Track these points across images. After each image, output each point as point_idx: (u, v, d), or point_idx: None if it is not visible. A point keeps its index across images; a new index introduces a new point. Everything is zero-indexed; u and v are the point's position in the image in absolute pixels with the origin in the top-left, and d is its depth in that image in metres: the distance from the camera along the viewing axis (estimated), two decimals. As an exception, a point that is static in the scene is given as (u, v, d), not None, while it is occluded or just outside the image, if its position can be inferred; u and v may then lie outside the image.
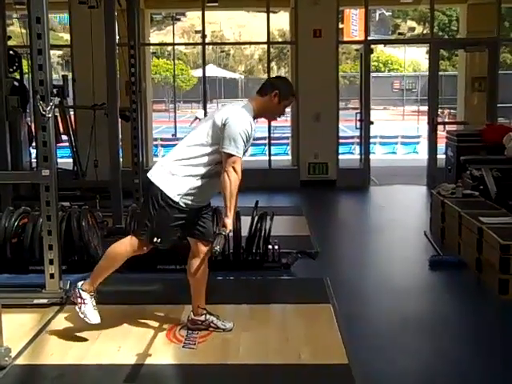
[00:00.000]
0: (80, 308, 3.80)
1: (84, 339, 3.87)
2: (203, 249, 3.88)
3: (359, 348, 3.77)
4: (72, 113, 9.87)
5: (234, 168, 3.55)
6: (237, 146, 3.55)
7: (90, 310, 3.80)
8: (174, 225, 3.72)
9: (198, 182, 3.65)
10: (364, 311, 4.55)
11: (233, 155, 3.54)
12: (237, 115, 3.62)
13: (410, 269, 5.71)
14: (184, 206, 3.67)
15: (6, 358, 3.48)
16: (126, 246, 3.82)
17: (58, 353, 3.71)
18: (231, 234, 3.82)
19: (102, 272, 3.90)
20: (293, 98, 3.90)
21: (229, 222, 3.57)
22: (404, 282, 5.30)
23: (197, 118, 25.04)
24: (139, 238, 3.77)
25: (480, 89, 11.04)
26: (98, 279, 3.89)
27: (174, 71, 27.39)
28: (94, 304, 3.83)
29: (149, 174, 3.77)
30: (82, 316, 3.79)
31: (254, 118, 3.75)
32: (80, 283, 3.88)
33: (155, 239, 3.72)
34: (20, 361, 3.59)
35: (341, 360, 3.59)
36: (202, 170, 3.64)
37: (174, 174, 3.65)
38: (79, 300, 3.81)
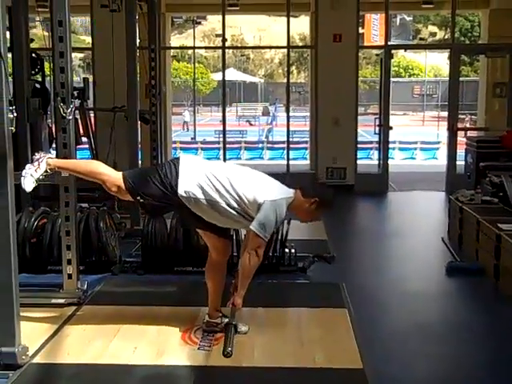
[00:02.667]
0: (29, 168, 3.73)
1: (100, 339, 3.90)
2: (218, 244, 3.92)
3: (374, 353, 3.76)
4: (92, 115, 9.95)
5: (256, 252, 3.64)
6: (266, 231, 3.62)
7: (32, 178, 3.72)
8: (161, 204, 3.73)
9: (203, 202, 3.67)
10: (380, 316, 4.54)
11: (260, 238, 3.62)
12: (276, 204, 3.66)
13: (426, 274, 5.68)
14: (180, 200, 3.67)
15: (24, 357, 3.53)
16: (108, 175, 3.77)
17: (74, 352, 3.74)
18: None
19: (71, 168, 3.94)
20: (328, 211, 3.99)
21: (239, 300, 3.69)
22: (420, 287, 5.27)
23: (185, 122, 25.14)
24: (126, 185, 3.71)
25: (501, 94, 10.96)
26: (65, 169, 3.95)
27: (194, 74, 27.59)
28: (40, 179, 3.77)
29: (183, 158, 3.79)
30: (23, 173, 3.72)
31: (287, 209, 3.78)
32: (50, 156, 3.87)
33: (139, 198, 3.72)
34: (37, 359, 3.63)
35: (355, 365, 3.59)
36: (217, 201, 3.66)
37: (198, 181, 3.67)
38: (36, 164, 3.76)
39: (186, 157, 3.83)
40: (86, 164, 3.93)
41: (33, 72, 7.31)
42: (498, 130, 9.81)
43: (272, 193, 3.71)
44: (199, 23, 28.60)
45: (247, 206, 3.67)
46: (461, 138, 10.41)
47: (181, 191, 3.65)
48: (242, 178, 3.78)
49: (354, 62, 10.27)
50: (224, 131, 11.43)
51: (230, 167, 3.93)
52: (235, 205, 3.68)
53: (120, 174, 3.78)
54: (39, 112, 6.92)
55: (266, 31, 37.05)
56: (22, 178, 3.71)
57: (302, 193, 3.84)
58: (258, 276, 5.04)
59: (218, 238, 3.93)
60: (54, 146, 7.22)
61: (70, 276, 4.51)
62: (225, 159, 11.11)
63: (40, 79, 7.65)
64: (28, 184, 3.73)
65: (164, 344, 3.85)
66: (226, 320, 3.99)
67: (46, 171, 3.79)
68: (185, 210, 3.74)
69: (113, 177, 3.76)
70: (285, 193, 3.79)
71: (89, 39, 12.34)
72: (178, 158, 3.80)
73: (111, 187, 3.76)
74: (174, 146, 15.05)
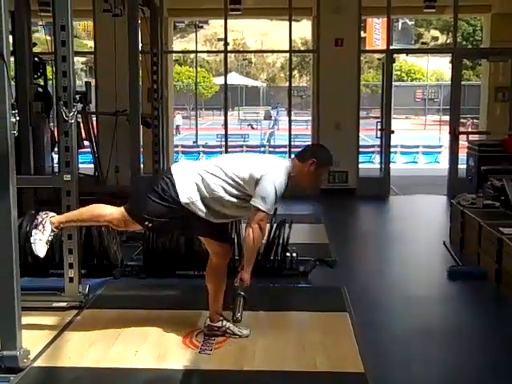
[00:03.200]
0: (36, 234, 3.75)
1: (101, 343, 3.91)
2: (219, 250, 3.91)
3: (375, 357, 3.76)
4: (94, 119, 9.97)
5: (259, 225, 3.61)
6: (268, 204, 3.60)
7: (41, 242, 3.74)
8: (169, 221, 3.73)
9: (206, 201, 3.68)
10: (381, 320, 4.53)
11: (262, 212, 3.60)
12: (274, 175, 3.65)
13: (428, 279, 5.67)
14: (186, 209, 3.68)
15: (25, 360, 3.53)
16: (111, 213, 3.79)
17: (75, 356, 3.74)
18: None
19: (75, 219, 3.93)
20: (330, 168, 3.94)
21: (246, 276, 3.65)
22: (422, 291, 5.27)
23: (177, 126, 25.01)
24: (130, 214, 3.73)
25: (503, 99, 10.97)
26: (68, 222, 3.92)
27: (196, 78, 27.58)
28: (49, 240, 3.78)
29: (173, 167, 3.80)
30: (31, 240, 3.74)
31: (288, 180, 3.75)
32: (52, 214, 3.84)
33: (146, 223, 3.72)
34: (38, 363, 3.63)
35: (357, 369, 3.59)
36: (220, 195, 3.67)
37: (194, 183, 3.69)
38: (40, 227, 3.76)
39: (175, 165, 3.83)
40: (87, 211, 3.90)
41: (35, 76, 7.34)
42: (499, 134, 9.81)
43: (267, 166, 3.70)
44: (201, 27, 28.73)
45: (246, 187, 3.67)
46: (463, 142, 10.42)
47: (183, 199, 3.65)
48: (232, 161, 3.79)
49: (356, 66, 10.27)
50: (226, 135, 11.44)
51: (219, 157, 3.92)
52: (235, 191, 3.68)
53: (121, 208, 3.79)
54: (41, 116, 6.95)
55: (268, 35, 37.17)
56: (33, 246, 3.73)
57: (299, 158, 3.84)
58: (260, 280, 5.07)
59: (219, 243, 3.93)
60: (56, 149, 7.24)
61: (71, 280, 4.52)
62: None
63: (42, 83, 7.69)
64: (40, 249, 3.75)
65: (165, 348, 3.85)
66: (228, 324, 3.99)
67: (52, 230, 3.80)
68: (192, 218, 3.72)
69: (116, 213, 3.77)
70: (281, 164, 3.78)
71: (91, 43, 12.37)
72: (168, 169, 3.81)
73: (119, 224, 3.79)
74: (175, 149, 15.06)
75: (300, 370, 3.60)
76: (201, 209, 3.69)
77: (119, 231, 5.84)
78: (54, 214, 3.86)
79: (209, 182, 3.67)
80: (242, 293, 3.64)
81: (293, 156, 3.97)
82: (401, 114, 28.81)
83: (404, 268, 6.10)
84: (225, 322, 4.00)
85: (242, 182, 3.67)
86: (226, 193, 3.67)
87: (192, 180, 3.69)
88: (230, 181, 3.68)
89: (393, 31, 16.84)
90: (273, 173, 3.65)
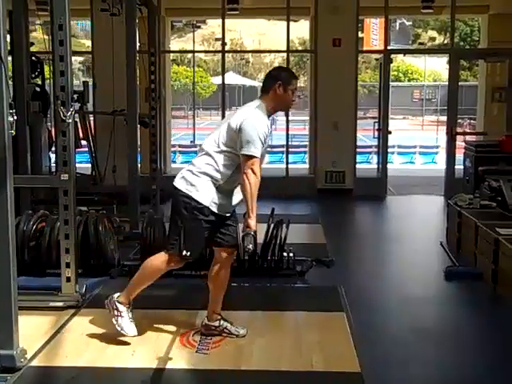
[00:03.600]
0: (117, 320, 3.84)
1: (98, 342, 3.91)
2: (226, 255, 3.92)
3: (372, 357, 3.76)
4: (92, 118, 9.96)
5: (252, 170, 3.62)
6: (255, 147, 3.62)
7: (126, 323, 3.84)
8: (203, 234, 3.76)
9: (223, 186, 3.72)
10: (378, 320, 4.54)
11: (251, 157, 3.61)
12: (252, 117, 3.69)
13: (425, 279, 5.68)
14: (216, 211, 3.72)
15: (22, 360, 3.53)
16: (160, 261, 3.87)
17: (72, 355, 3.74)
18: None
19: (137, 285, 3.94)
20: (296, 81, 3.92)
21: (252, 222, 3.63)
22: (419, 292, 5.28)
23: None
24: (168, 253, 3.81)
25: (500, 99, 10.98)
26: (133, 292, 3.93)
27: (194, 78, 27.59)
28: (131, 316, 3.86)
29: (177, 183, 3.78)
30: (118, 328, 3.82)
31: (269, 115, 3.83)
32: (116, 295, 3.90)
33: (184, 252, 3.75)
34: (35, 362, 3.63)
35: (353, 368, 3.59)
36: (227, 173, 3.71)
37: (206, 179, 3.71)
38: (115, 312, 3.85)
39: (177, 181, 3.79)
40: (142, 274, 3.93)
41: (33, 75, 7.34)
42: (496, 135, 9.81)
43: (242, 115, 3.73)
44: (199, 27, 28.69)
45: (236, 148, 3.67)
46: (460, 143, 10.42)
47: (206, 202, 3.69)
48: (216, 137, 3.77)
49: (354, 66, 10.29)
50: (223, 135, 11.37)
51: (204, 144, 3.88)
52: (234, 162, 3.70)
53: (163, 252, 3.86)
54: (39, 115, 6.94)
55: (266, 35, 37.12)
56: (120, 330, 3.81)
57: (264, 92, 3.86)
58: (257, 279, 5.08)
59: (228, 250, 3.92)
60: (53, 149, 7.24)
61: (68, 279, 4.51)
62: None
63: (40, 82, 7.68)
64: (129, 329, 3.83)
65: (162, 347, 3.85)
66: (225, 323, 3.99)
67: (127, 308, 3.87)
68: (215, 222, 3.76)
69: (165, 258, 3.83)
70: (253, 107, 3.80)
71: (89, 43, 12.35)
72: (175, 188, 3.77)
73: (175, 264, 3.87)
74: (173, 149, 15.05)
75: (296, 369, 3.60)
76: (221, 197, 3.72)
77: (116, 231, 5.87)
78: (118, 294, 3.92)
79: (212, 173, 3.70)
80: (251, 233, 3.62)
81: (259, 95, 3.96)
82: (398, 115, 28.83)
83: (401, 268, 6.11)
84: (222, 322, 4.01)
85: (232, 149, 3.69)
86: (228, 169, 3.70)
87: (201, 181, 3.70)
88: (225, 157, 3.71)
89: (390, 31, 16.87)
90: (250, 117, 3.68)
